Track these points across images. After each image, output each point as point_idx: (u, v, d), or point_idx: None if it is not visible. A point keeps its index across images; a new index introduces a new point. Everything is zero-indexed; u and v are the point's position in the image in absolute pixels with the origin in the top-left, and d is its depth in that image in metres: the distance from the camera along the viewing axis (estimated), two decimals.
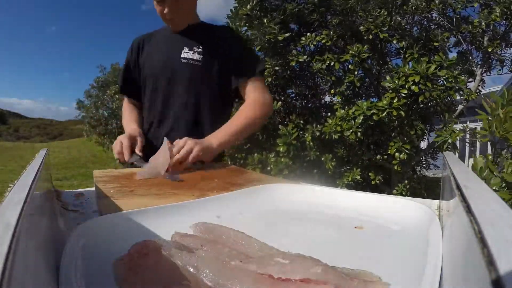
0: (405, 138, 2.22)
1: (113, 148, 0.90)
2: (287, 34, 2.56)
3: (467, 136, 2.81)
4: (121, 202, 0.45)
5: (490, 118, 1.29)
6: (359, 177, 2.39)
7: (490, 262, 0.12)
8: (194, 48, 1.00)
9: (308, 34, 2.61)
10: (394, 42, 2.60)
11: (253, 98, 0.99)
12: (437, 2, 2.79)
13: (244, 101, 1.02)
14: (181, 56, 0.99)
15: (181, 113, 1.00)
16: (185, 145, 0.78)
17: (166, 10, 0.94)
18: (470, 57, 3.19)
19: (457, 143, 2.44)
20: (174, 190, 0.54)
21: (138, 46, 1.09)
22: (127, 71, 1.11)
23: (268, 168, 2.38)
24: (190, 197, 0.50)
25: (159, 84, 1.02)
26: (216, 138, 0.90)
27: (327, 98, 3.26)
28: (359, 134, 2.16)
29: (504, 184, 1.13)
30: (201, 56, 0.99)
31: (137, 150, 0.87)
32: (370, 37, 2.43)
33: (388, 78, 2.32)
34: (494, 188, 1.13)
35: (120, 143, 0.87)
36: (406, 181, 2.46)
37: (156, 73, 1.03)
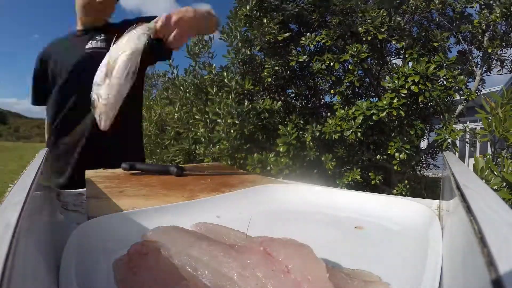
0: (405, 138, 2.21)
1: None
2: (286, 34, 2.55)
3: (467, 136, 2.81)
4: (110, 203, 0.45)
5: (489, 118, 1.28)
6: (359, 177, 2.38)
7: (490, 262, 0.12)
8: (97, 37, 1.02)
9: (308, 34, 2.61)
10: (394, 42, 2.59)
11: None
12: (436, 2, 2.78)
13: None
14: (86, 47, 1.01)
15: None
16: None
17: None
18: (470, 57, 3.19)
19: (457, 142, 2.44)
20: (164, 191, 0.54)
21: (45, 56, 1.08)
22: (37, 81, 1.11)
23: (268, 168, 2.37)
24: (180, 198, 0.50)
25: (69, 81, 1.01)
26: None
27: (327, 98, 3.26)
28: (359, 134, 2.16)
29: (504, 184, 1.13)
30: (105, 43, 1.01)
31: None
32: (369, 38, 2.43)
33: (388, 78, 2.32)
34: (494, 187, 1.13)
35: None
36: (406, 181, 2.45)
37: (64, 72, 1.02)
